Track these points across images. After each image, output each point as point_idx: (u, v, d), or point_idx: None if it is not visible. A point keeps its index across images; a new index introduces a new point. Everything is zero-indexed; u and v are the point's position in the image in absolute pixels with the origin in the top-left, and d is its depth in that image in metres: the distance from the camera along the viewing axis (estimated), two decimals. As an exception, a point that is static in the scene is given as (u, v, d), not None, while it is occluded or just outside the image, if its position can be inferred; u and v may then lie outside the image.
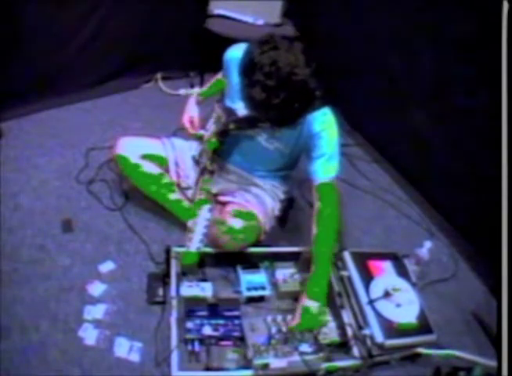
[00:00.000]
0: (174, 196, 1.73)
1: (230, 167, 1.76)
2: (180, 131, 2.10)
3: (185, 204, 1.75)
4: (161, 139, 1.78)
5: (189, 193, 1.78)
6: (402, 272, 1.66)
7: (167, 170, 1.74)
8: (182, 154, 1.77)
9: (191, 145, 1.81)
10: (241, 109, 1.52)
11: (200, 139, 1.71)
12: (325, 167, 1.51)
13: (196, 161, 1.73)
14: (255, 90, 1.21)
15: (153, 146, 1.75)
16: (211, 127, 1.64)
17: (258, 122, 1.43)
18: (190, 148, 1.80)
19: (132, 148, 1.70)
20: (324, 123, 1.48)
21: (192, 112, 1.78)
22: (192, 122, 1.73)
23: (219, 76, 1.75)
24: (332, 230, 1.53)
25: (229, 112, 1.59)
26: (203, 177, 1.60)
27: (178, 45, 2.56)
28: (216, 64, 1.66)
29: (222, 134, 1.61)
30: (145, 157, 1.69)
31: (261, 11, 1.43)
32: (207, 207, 1.60)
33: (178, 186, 1.76)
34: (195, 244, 1.55)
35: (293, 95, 1.21)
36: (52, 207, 1.80)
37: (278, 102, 1.20)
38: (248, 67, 1.23)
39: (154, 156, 1.71)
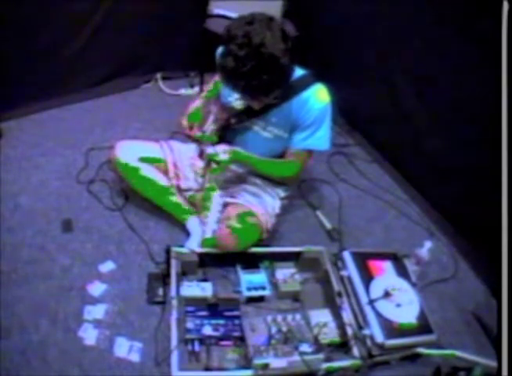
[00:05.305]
0: (172, 198, 1.73)
1: (231, 167, 1.76)
2: (177, 135, 2.08)
3: (184, 205, 1.75)
4: (159, 142, 1.79)
5: (189, 194, 1.78)
6: (402, 272, 1.66)
7: (166, 172, 1.75)
8: (181, 156, 1.77)
9: (189, 147, 1.81)
10: (234, 100, 1.60)
11: (198, 140, 1.70)
12: (306, 138, 1.58)
13: (201, 155, 1.71)
14: (227, 59, 1.32)
15: (151, 149, 1.75)
16: (210, 127, 1.65)
17: (253, 110, 1.53)
18: (188, 150, 1.80)
19: (130, 152, 1.70)
20: (314, 94, 1.52)
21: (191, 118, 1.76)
22: (191, 127, 1.71)
23: (217, 77, 1.75)
24: (281, 168, 1.67)
25: (226, 107, 1.64)
26: (210, 167, 1.62)
27: (178, 45, 2.56)
28: (216, 64, 1.66)
29: (223, 129, 1.65)
30: (143, 160, 1.69)
31: (261, 11, 1.43)
32: (217, 193, 1.66)
33: (178, 187, 1.76)
34: (210, 228, 1.62)
35: (262, 66, 1.30)
36: (52, 207, 1.80)
37: (246, 71, 1.30)
38: (224, 39, 1.33)
39: (153, 159, 1.72)
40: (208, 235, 1.63)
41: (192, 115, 1.71)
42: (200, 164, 1.70)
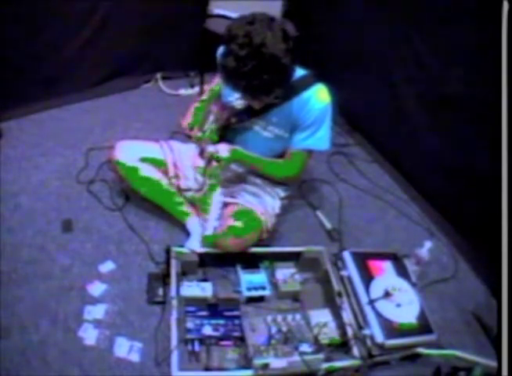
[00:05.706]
0: (172, 198, 1.73)
1: (230, 166, 1.76)
2: (177, 135, 2.08)
3: (184, 205, 1.75)
4: (159, 142, 1.79)
5: (189, 194, 1.78)
6: (402, 272, 1.66)
7: (165, 172, 1.75)
8: (181, 156, 1.77)
9: (189, 147, 1.81)
10: (235, 100, 1.60)
11: (198, 140, 1.71)
12: (306, 138, 1.57)
13: (201, 154, 1.72)
14: (228, 59, 1.32)
15: (151, 149, 1.75)
16: (210, 126, 1.66)
17: (254, 110, 1.54)
18: (189, 150, 1.80)
19: (130, 152, 1.70)
20: (315, 94, 1.52)
21: (191, 119, 1.78)
22: (191, 128, 1.74)
23: (216, 80, 1.76)
24: (280, 168, 1.67)
25: (226, 107, 1.64)
26: (211, 165, 1.62)
27: (178, 44, 2.56)
28: (216, 64, 1.66)
29: (223, 129, 1.65)
30: (143, 160, 1.70)
31: (261, 11, 1.44)
32: (219, 190, 1.67)
33: (178, 187, 1.76)
34: (211, 225, 1.62)
35: (263, 66, 1.30)
36: (52, 207, 1.80)
37: (247, 70, 1.30)
38: (225, 39, 1.34)
39: (153, 159, 1.72)
40: (209, 232, 1.63)
41: (194, 116, 1.73)
42: (201, 163, 1.70)
